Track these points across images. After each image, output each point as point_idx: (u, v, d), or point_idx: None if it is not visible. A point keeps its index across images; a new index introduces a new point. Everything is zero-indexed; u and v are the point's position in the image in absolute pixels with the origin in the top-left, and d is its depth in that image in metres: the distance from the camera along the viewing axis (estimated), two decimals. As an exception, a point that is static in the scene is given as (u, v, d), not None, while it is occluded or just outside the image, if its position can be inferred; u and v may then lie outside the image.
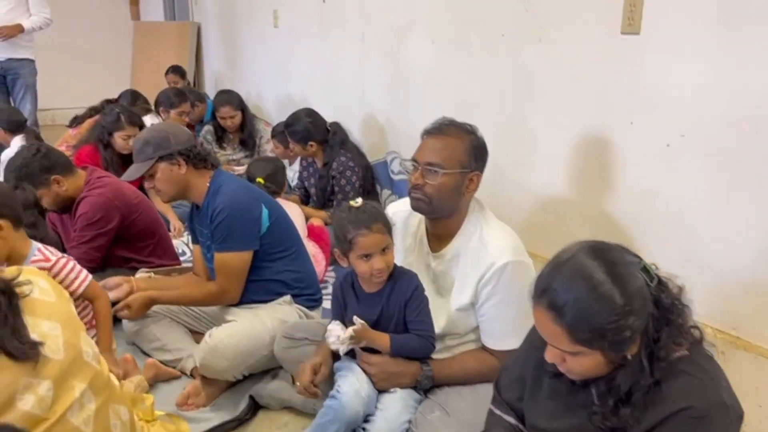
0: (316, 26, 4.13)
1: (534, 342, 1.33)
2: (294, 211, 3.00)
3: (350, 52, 3.79)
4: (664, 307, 1.14)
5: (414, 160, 1.72)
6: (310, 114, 3.41)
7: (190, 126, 4.85)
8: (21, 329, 1.34)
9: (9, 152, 3.78)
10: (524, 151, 2.64)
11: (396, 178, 3.42)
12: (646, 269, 1.15)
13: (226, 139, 4.27)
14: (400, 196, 3.40)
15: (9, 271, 1.49)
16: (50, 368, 1.30)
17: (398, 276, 1.73)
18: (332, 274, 3.16)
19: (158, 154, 2.11)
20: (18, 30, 4.52)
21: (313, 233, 3.03)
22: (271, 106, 5.00)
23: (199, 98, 4.78)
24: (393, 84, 3.47)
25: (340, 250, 1.71)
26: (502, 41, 2.67)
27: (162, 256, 2.75)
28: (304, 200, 3.61)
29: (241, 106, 4.15)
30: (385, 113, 3.58)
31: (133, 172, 2.17)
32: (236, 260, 2.15)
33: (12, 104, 4.76)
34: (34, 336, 1.37)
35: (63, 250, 2.63)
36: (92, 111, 4.64)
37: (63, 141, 4.52)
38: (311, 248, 2.92)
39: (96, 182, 2.53)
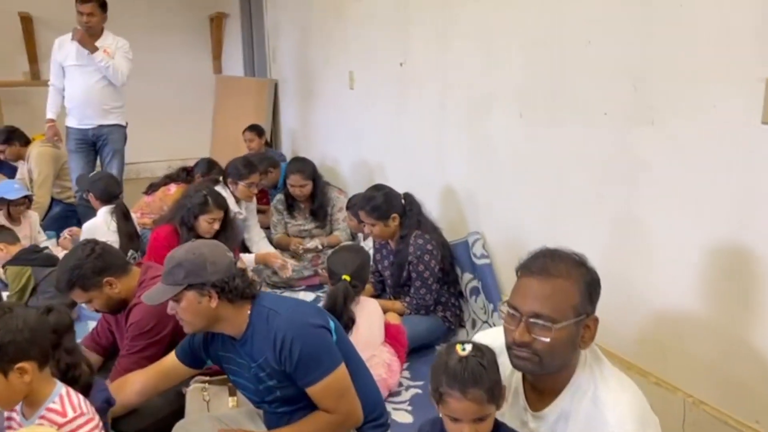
0: (392, 90, 3.88)
1: None
2: (373, 309, 2.67)
3: (428, 121, 3.51)
4: None
5: (513, 307, 1.38)
6: (380, 187, 3.15)
7: (263, 192, 4.70)
8: None
9: (93, 222, 3.79)
10: (634, 253, 2.23)
11: (479, 262, 3.06)
12: None
13: (297, 208, 4.06)
14: (483, 283, 3.05)
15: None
16: None
17: None
18: (407, 374, 2.82)
19: (188, 282, 1.83)
20: (91, 44, 4.38)
21: (388, 334, 2.70)
22: (347, 171, 4.76)
23: (272, 164, 4.61)
24: (475, 158, 3.14)
25: (431, 394, 1.43)
26: (605, 121, 2.30)
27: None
28: (379, 287, 3.30)
29: (314, 175, 3.92)
30: (466, 189, 3.25)
31: (157, 295, 1.89)
32: (337, 380, 1.87)
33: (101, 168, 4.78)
34: None
35: (116, 351, 2.46)
36: (167, 178, 4.59)
37: (138, 208, 4.47)
38: (386, 355, 2.58)
39: (149, 284, 2.32)
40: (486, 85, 2.98)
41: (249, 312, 1.90)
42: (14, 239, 3.39)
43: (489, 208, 3.09)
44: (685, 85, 1.97)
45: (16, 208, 4.07)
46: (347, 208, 3.65)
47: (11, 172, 5.13)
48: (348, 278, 2.55)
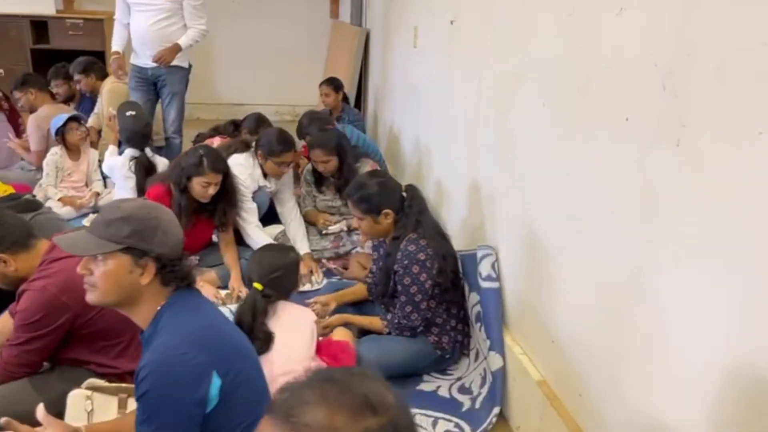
0: (443, 54, 3.22)
1: None
2: (296, 321, 2.13)
3: (467, 97, 2.84)
4: None
5: None
6: (376, 174, 2.57)
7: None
8: None
9: (114, 161, 3.81)
10: (636, 344, 1.52)
11: (484, 285, 2.42)
12: None
13: (325, 182, 3.58)
14: (485, 312, 2.43)
15: None
16: None
17: None
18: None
19: (130, 243, 1.44)
20: (176, 51, 4.33)
21: (326, 352, 2.16)
22: (407, 147, 4.11)
23: (326, 123, 4.13)
24: (499, 153, 2.46)
25: None
26: (625, 129, 1.56)
27: (137, 357, 2.14)
28: (372, 292, 2.75)
29: (338, 149, 3.37)
30: (490, 189, 2.57)
31: (80, 244, 1.48)
32: None
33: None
34: None
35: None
36: (213, 131, 4.36)
37: (180, 161, 4.28)
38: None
39: (45, 269, 1.98)
40: (518, 61, 2.26)
41: (161, 306, 1.50)
42: (-13, 192, 3.32)
43: (508, 216, 2.41)
44: (734, 91, 1.21)
45: (70, 135, 4.05)
46: (345, 194, 3.08)
47: (90, 105, 5.14)
48: (260, 287, 2.06)
